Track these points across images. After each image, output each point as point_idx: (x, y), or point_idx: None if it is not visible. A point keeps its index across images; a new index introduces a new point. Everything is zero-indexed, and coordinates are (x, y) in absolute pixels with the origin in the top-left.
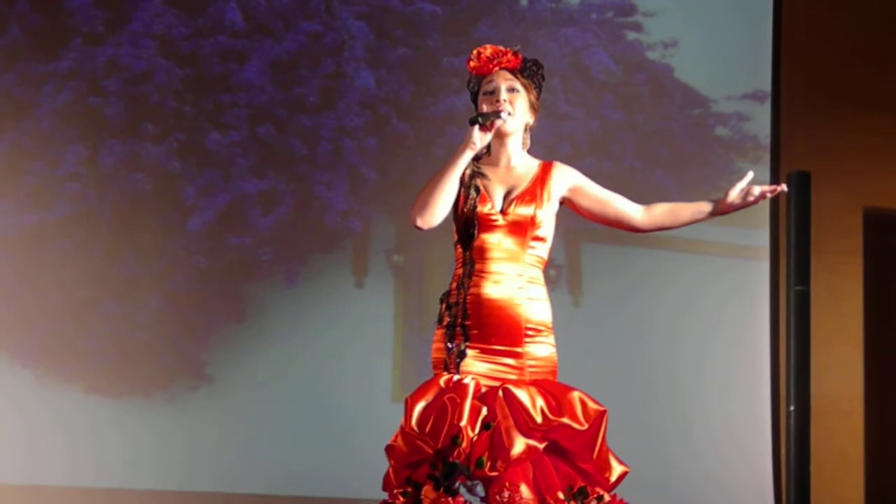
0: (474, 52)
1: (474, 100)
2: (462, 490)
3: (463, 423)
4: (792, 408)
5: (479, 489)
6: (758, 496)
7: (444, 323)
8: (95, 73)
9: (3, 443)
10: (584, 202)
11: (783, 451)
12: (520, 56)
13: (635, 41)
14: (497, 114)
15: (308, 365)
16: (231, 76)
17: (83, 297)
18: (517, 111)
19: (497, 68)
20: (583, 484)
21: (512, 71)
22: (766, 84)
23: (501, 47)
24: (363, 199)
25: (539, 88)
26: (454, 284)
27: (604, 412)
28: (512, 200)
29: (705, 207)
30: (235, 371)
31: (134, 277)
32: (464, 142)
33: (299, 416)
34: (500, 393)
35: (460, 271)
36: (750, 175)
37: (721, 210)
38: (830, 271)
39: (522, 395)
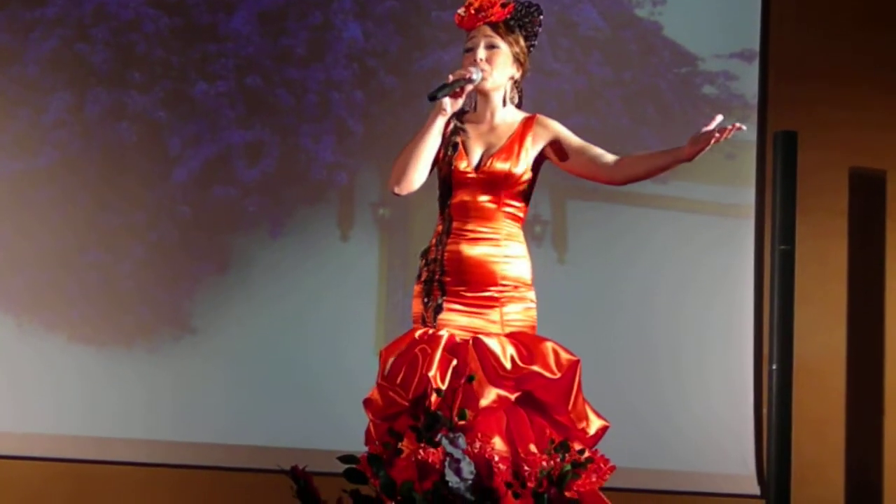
0: (465, 4)
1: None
2: (444, 441)
3: (432, 373)
4: (774, 366)
5: (461, 441)
6: (739, 454)
7: (423, 278)
8: (82, 20)
9: None
10: (562, 155)
11: (765, 409)
12: (509, 7)
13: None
14: (464, 80)
15: (291, 317)
16: (219, 26)
17: (68, 244)
18: (497, 67)
19: (481, 23)
20: (556, 436)
21: (494, 25)
22: (754, 43)
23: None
24: (349, 152)
25: (532, 37)
26: (433, 241)
27: (577, 361)
28: (489, 157)
29: (674, 153)
30: (220, 322)
31: (118, 227)
32: (434, 109)
33: (283, 369)
34: (471, 343)
35: (440, 228)
36: (719, 118)
37: (688, 154)
38: (815, 231)
39: (493, 343)
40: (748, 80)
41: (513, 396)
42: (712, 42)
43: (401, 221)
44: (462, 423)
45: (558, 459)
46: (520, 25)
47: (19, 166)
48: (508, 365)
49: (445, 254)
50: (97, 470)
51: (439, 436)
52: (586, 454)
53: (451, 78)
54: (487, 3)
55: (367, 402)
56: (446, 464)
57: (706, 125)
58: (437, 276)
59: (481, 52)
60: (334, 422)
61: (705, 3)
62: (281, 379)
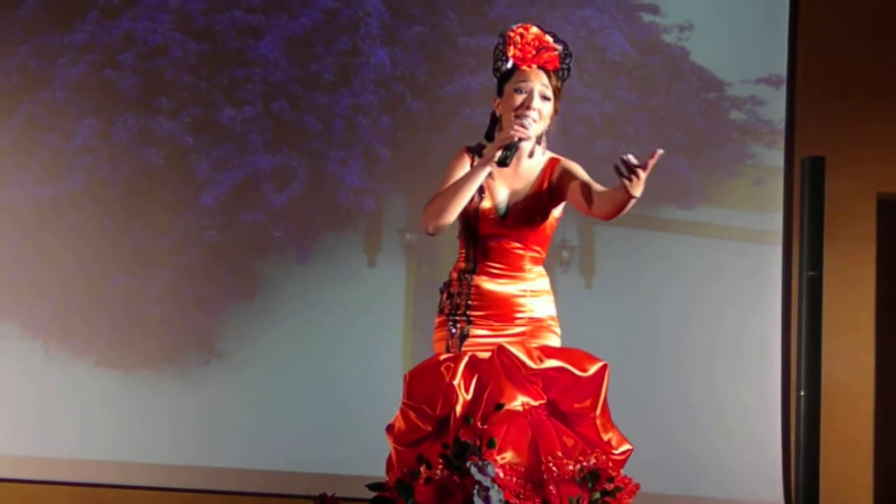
0: (516, 32)
1: (500, 79)
2: (473, 470)
3: (456, 381)
4: (802, 392)
5: (490, 469)
6: (767, 480)
7: (446, 311)
8: (111, 46)
9: (15, 414)
10: (573, 197)
11: (793, 435)
12: (558, 53)
13: (651, 23)
14: (516, 146)
15: (318, 342)
16: (246, 52)
17: (95, 270)
18: (543, 120)
19: (535, 65)
20: (584, 448)
21: (548, 73)
22: (781, 69)
23: (543, 34)
24: (376, 178)
25: (565, 80)
26: (454, 275)
27: (605, 365)
28: (518, 205)
29: (621, 188)
30: (246, 347)
31: (146, 251)
32: (485, 158)
33: (309, 394)
34: (496, 351)
35: (462, 265)
36: (659, 152)
37: (624, 190)
38: (843, 257)
39: (517, 349)
40: (776, 106)
41: (537, 403)
42: (739, 67)
43: (428, 247)
44: (490, 451)
45: (588, 487)
46: (562, 73)
47: (47, 192)
48: (534, 364)
49: (472, 288)
50: (117, 494)
51: (468, 463)
52: (614, 483)
53: (515, 138)
54: (543, 43)
55: (390, 429)
56: (475, 492)
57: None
58: (461, 310)
59: (537, 102)
60: (362, 448)
61: (732, 28)
62: (308, 404)
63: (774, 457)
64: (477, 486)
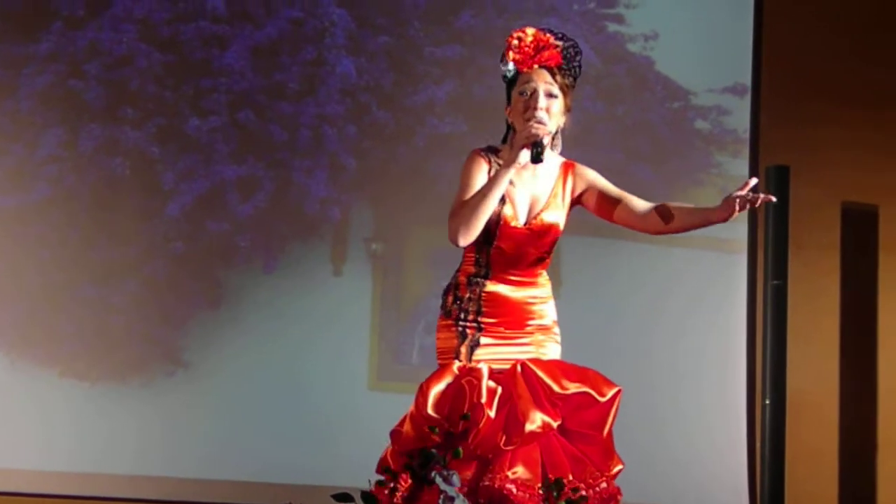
0: (514, 37)
1: (507, 87)
2: (438, 479)
3: (484, 399)
4: (767, 401)
5: (455, 479)
6: (732, 490)
7: (453, 315)
8: (76, 56)
9: None
10: (597, 203)
11: (758, 444)
12: (560, 49)
13: (616, 33)
14: (541, 142)
15: (285, 352)
16: (212, 61)
17: (60, 280)
18: (553, 118)
19: (536, 65)
20: (589, 466)
21: (551, 70)
22: (746, 78)
23: (543, 34)
24: (342, 187)
25: (576, 79)
26: (462, 279)
27: (620, 390)
28: (537, 213)
29: (706, 214)
30: (212, 357)
31: (111, 262)
32: (507, 162)
33: (275, 404)
34: (519, 368)
35: (472, 269)
36: (753, 181)
37: (719, 217)
38: (807, 266)
39: (541, 368)
40: (741, 115)
41: (556, 423)
42: (704, 77)
43: (394, 256)
44: (454, 462)
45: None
46: (569, 69)
47: (12, 202)
48: (559, 388)
49: (483, 294)
50: None
51: (433, 473)
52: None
53: (540, 136)
54: (543, 41)
55: (396, 434)
56: (440, 502)
57: (740, 190)
58: (471, 316)
59: (542, 101)
60: (328, 458)
61: (697, 38)
62: (274, 414)
63: (739, 466)
64: (442, 497)
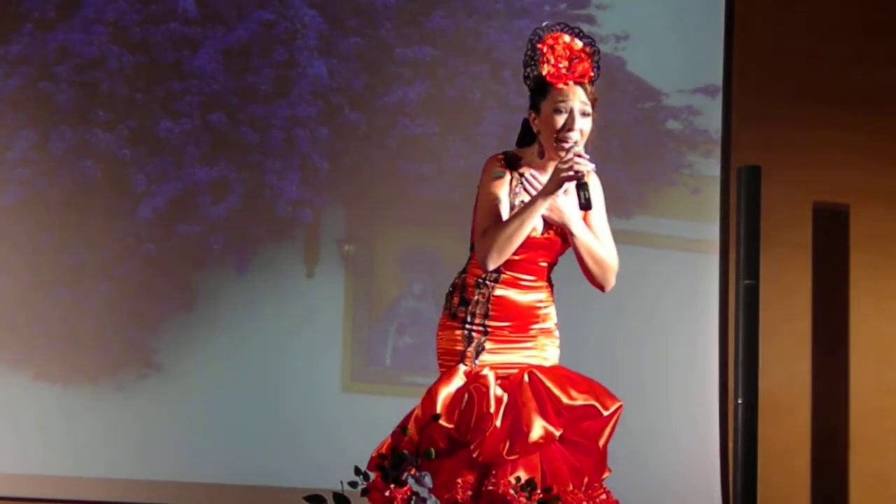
0: (546, 44)
1: (533, 89)
2: (410, 480)
3: (493, 409)
4: (740, 401)
5: (427, 480)
6: (704, 491)
7: (459, 317)
8: (46, 58)
9: None
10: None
11: (731, 444)
12: (591, 61)
13: (588, 33)
14: (587, 186)
15: (257, 354)
16: (183, 63)
17: (32, 283)
18: (585, 137)
19: (572, 80)
20: (589, 475)
21: (584, 87)
22: (717, 78)
23: (572, 40)
24: (315, 189)
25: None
26: (470, 280)
27: (621, 405)
28: (556, 224)
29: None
30: (185, 359)
31: (83, 264)
32: (548, 191)
33: (248, 406)
34: (526, 377)
35: (480, 271)
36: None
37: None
38: (779, 265)
39: (549, 377)
40: (712, 116)
41: (558, 433)
42: (676, 77)
43: (366, 258)
44: (426, 462)
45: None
46: (596, 77)
47: None
48: (567, 399)
49: (492, 297)
50: None
51: (405, 475)
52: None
53: (583, 173)
54: (575, 52)
55: (396, 436)
56: (412, 502)
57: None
58: (478, 319)
59: (578, 121)
60: (300, 460)
61: (668, 38)
62: (246, 416)
63: (712, 465)
64: (414, 497)
